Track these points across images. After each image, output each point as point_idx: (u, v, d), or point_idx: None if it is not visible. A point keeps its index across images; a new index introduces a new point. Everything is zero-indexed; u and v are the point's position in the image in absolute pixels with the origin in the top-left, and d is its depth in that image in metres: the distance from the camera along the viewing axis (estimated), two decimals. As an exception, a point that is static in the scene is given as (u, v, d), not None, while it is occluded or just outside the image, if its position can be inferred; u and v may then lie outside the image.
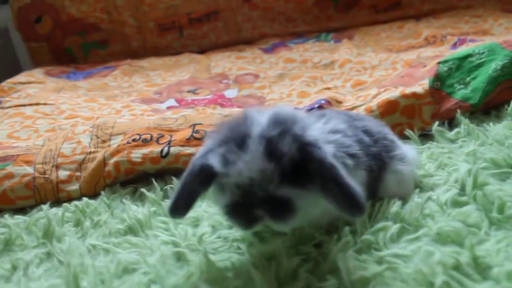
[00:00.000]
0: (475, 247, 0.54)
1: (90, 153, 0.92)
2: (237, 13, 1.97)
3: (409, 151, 0.73)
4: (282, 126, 0.53)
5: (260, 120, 0.54)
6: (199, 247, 0.66)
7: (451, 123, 0.95)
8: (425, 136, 0.93)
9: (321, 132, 0.57)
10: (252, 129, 0.53)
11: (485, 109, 0.98)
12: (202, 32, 1.97)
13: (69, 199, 0.86)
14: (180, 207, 0.57)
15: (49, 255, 0.70)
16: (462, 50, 1.10)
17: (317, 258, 0.59)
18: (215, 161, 0.53)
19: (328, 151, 0.53)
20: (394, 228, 0.61)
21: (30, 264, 0.67)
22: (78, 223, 0.77)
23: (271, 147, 0.51)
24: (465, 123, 0.90)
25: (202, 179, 0.56)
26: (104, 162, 0.89)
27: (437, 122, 0.92)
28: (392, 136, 0.72)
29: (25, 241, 0.73)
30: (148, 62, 1.74)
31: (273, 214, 0.51)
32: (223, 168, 0.52)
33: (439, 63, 1.05)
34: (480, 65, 1.02)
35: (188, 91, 1.37)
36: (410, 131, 0.91)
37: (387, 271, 0.54)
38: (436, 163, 0.81)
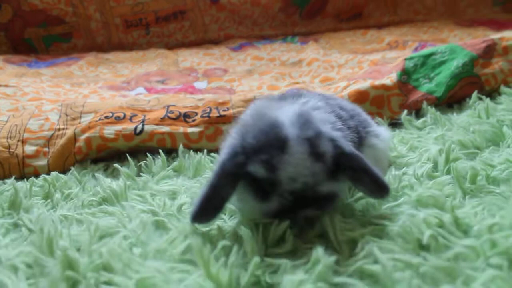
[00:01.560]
0: (456, 210, 0.57)
1: (59, 129, 0.89)
2: (204, 13, 1.98)
3: (382, 131, 0.76)
4: (311, 125, 0.54)
5: (288, 120, 0.54)
6: (179, 216, 0.64)
7: (418, 114, 0.99)
8: (394, 125, 0.97)
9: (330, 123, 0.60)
10: (286, 131, 0.53)
11: (448, 103, 1.04)
12: (169, 31, 1.96)
13: (36, 175, 0.82)
14: (207, 212, 0.55)
15: (16, 225, 0.65)
16: (426, 49, 1.16)
17: (303, 225, 0.59)
18: (257, 169, 0.52)
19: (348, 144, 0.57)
20: (374, 196, 0.63)
21: (-4, 232, 0.63)
22: (47, 196, 0.74)
23: (313, 149, 0.52)
24: (431, 112, 0.95)
25: (233, 181, 0.54)
26: (74, 138, 0.85)
27: (405, 111, 0.96)
28: (365, 115, 0.75)
29: (-11, 212, 0.69)
30: (114, 55, 1.70)
31: (321, 208, 0.55)
32: (270, 174, 0.51)
33: (405, 59, 1.10)
34: (443, 63, 1.08)
35: (157, 81, 1.35)
36: (380, 119, 0.95)
37: (374, 231, 0.55)
38: (407, 146, 0.84)
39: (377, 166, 0.70)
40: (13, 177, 0.78)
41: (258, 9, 2.02)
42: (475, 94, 1.00)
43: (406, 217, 0.56)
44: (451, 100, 1.04)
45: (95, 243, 0.57)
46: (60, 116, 0.92)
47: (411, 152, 0.82)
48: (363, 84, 1.02)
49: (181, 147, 0.84)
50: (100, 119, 0.88)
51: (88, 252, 0.54)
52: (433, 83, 1.04)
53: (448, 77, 1.04)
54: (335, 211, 0.58)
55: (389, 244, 0.52)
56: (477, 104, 0.96)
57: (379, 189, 0.56)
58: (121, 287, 0.47)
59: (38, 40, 1.87)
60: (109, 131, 0.85)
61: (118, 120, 0.88)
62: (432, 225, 0.53)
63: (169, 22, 1.95)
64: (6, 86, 1.18)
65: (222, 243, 0.53)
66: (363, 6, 2.12)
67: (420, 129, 0.93)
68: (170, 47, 1.90)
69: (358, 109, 0.74)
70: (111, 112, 0.90)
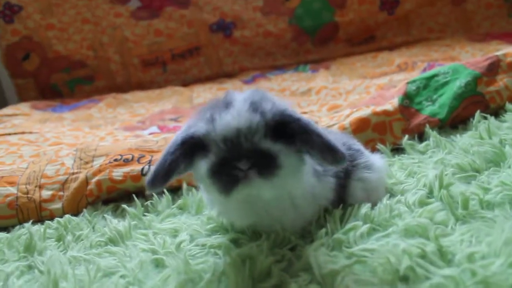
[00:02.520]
0: (440, 238, 0.57)
1: (73, 173, 0.94)
2: (218, 48, 2.05)
3: (377, 160, 0.76)
4: (262, 94, 0.59)
5: (242, 93, 0.59)
6: (177, 253, 0.67)
7: (421, 138, 0.99)
8: (397, 150, 0.97)
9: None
10: (235, 97, 0.58)
11: (453, 124, 1.03)
12: (185, 67, 2.04)
13: (52, 218, 0.87)
14: (159, 178, 0.58)
15: (30, 267, 0.71)
16: (429, 71, 1.16)
17: (291, 259, 0.61)
18: (199, 127, 0.56)
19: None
20: (364, 227, 0.64)
21: (11, 275, 0.68)
22: (60, 238, 0.79)
23: (254, 106, 0.56)
24: (433, 136, 0.95)
25: (185, 151, 0.58)
26: (86, 181, 0.91)
27: (407, 136, 0.97)
28: (357, 146, 0.76)
29: (6, 256, 0.74)
30: (132, 95, 1.79)
31: (259, 168, 0.53)
32: (208, 126, 0.55)
33: (407, 83, 1.11)
34: (445, 84, 1.08)
35: (170, 119, 1.41)
36: (382, 145, 0.95)
37: (356, 264, 0.56)
38: (406, 172, 0.84)
39: (368, 198, 0.71)
40: (31, 221, 0.84)
41: (270, 40, 2.07)
42: (477, 114, 0.99)
43: (390, 248, 0.57)
44: (456, 121, 1.03)
45: (95, 282, 0.61)
46: (74, 161, 0.98)
47: (409, 178, 0.82)
48: (365, 112, 1.03)
49: (184, 185, 0.88)
50: (109, 162, 0.93)
51: (87, 292, 0.58)
52: (436, 105, 1.04)
53: (451, 98, 1.03)
54: (320, 246, 0.60)
55: (369, 276, 0.53)
56: (480, 124, 0.96)
57: (333, 153, 0.57)
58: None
59: (63, 84, 1.99)
60: (118, 173, 0.90)
61: (127, 162, 0.93)
62: (413, 256, 0.54)
63: (184, 59, 2.03)
64: (30, 133, 1.26)
65: (210, 282, 0.56)
66: (376, 28, 2.14)
67: (422, 153, 0.93)
68: (187, 83, 1.98)
69: (349, 142, 0.75)
70: (120, 154, 0.95)
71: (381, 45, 2.08)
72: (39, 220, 0.88)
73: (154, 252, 0.68)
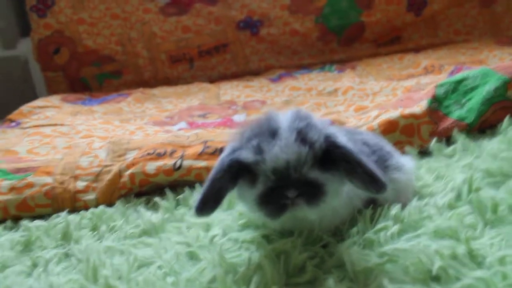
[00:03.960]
0: (470, 241, 0.58)
1: (106, 166, 0.98)
2: (245, 46, 2.07)
3: (406, 162, 0.78)
4: (307, 120, 0.59)
5: (284, 117, 0.60)
6: (210, 247, 0.70)
7: (448, 141, 0.99)
8: (424, 154, 0.98)
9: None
10: (280, 123, 0.58)
11: (481, 129, 1.03)
12: (212, 64, 2.06)
13: (86, 209, 0.90)
14: (208, 204, 0.60)
15: (67, 255, 0.74)
16: (458, 74, 1.16)
17: (323, 256, 0.62)
18: (246, 154, 0.57)
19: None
20: (394, 228, 0.65)
21: (50, 262, 0.71)
22: (94, 228, 0.82)
23: (301, 136, 0.57)
24: (461, 139, 0.95)
25: (231, 175, 0.60)
26: (119, 174, 0.94)
27: (435, 139, 0.97)
28: (389, 147, 0.77)
29: (44, 243, 0.77)
30: (160, 91, 1.82)
31: (306, 196, 0.55)
32: (257, 156, 0.56)
33: (436, 86, 1.11)
34: (474, 88, 1.08)
35: (199, 116, 1.44)
36: (409, 148, 0.96)
37: (388, 263, 0.58)
38: (434, 175, 0.85)
39: (398, 199, 0.73)
40: (66, 210, 0.87)
41: (296, 39, 2.08)
42: (507, 119, 0.99)
43: (421, 249, 0.58)
44: (484, 126, 1.03)
45: (133, 272, 0.64)
46: (107, 153, 1.02)
47: (437, 181, 0.83)
48: (393, 114, 1.03)
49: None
50: (142, 156, 0.96)
51: (127, 280, 0.60)
52: (464, 109, 1.04)
53: (479, 103, 1.03)
54: (352, 244, 0.62)
55: (401, 275, 0.54)
56: (509, 130, 0.96)
57: (375, 183, 0.58)
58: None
59: (92, 78, 2.03)
60: (151, 167, 0.93)
61: (159, 156, 0.96)
62: (444, 257, 0.55)
63: (211, 55, 2.05)
64: (62, 125, 1.30)
65: (245, 274, 0.58)
66: (402, 29, 2.12)
67: (449, 157, 0.93)
68: (213, 79, 2.00)
69: (381, 143, 0.76)
70: (153, 148, 0.98)
71: (407, 46, 2.07)
72: (74, 210, 0.91)
73: (188, 245, 0.70)
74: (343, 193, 0.63)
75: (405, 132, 1.01)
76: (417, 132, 1.01)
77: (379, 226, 0.66)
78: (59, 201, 0.91)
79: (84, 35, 2.00)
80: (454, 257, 0.56)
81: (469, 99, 1.06)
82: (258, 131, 0.59)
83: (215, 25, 2.04)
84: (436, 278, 0.53)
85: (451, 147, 0.95)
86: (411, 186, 0.78)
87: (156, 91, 1.82)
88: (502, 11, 2.12)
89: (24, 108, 1.52)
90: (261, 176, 0.57)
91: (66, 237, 0.78)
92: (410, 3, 2.08)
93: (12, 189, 0.92)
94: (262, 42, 2.07)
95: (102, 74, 2.03)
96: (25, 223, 0.84)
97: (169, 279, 0.61)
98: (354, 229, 0.66)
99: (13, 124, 1.42)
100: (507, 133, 0.95)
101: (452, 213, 0.67)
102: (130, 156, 0.98)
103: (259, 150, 0.57)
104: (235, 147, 0.60)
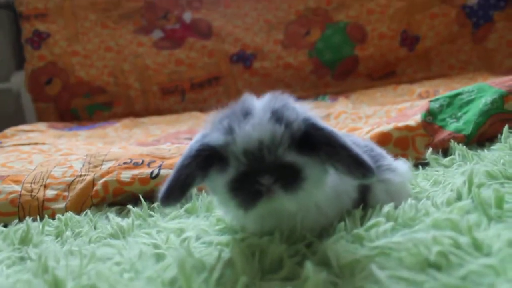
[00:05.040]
0: (474, 233, 0.51)
1: (80, 176, 0.91)
2: (238, 79, 2.06)
3: (400, 165, 0.72)
4: (285, 101, 0.53)
5: (260, 99, 0.54)
6: (180, 249, 0.62)
7: (445, 154, 0.93)
8: (420, 165, 0.91)
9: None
10: (254, 104, 0.52)
11: (479, 142, 0.98)
12: (203, 96, 2.04)
13: (54, 217, 0.83)
14: (174, 193, 0.53)
15: (22, 259, 0.66)
16: (453, 91, 1.12)
17: (305, 254, 0.55)
18: (216, 137, 0.51)
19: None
20: (387, 225, 0.58)
21: (0, 263, 0.63)
22: (59, 234, 0.74)
23: (277, 115, 0.50)
24: (459, 149, 0.90)
25: (200, 163, 0.53)
26: (93, 182, 0.87)
27: (430, 149, 0.91)
28: (379, 150, 0.71)
29: (0, 247, 0.69)
30: (149, 119, 1.78)
31: (283, 182, 0.48)
32: (226, 137, 0.50)
33: (430, 101, 1.07)
34: (470, 101, 1.04)
35: (185, 138, 1.39)
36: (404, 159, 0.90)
37: (379, 256, 0.50)
38: (431, 181, 0.79)
39: (391, 200, 0.66)
40: (30, 217, 0.80)
41: (290, 72, 2.07)
42: (506, 129, 0.93)
43: (418, 237, 0.51)
44: (482, 138, 0.98)
45: (87, 267, 0.56)
46: (83, 165, 0.95)
47: (435, 186, 0.76)
48: (386, 127, 0.99)
49: (194, 189, 0.83)
50: (119, 165, 0.89)
51: (79, 274, 0.52)
52: (461, 122, 1.00)
53: (476, 115, 0.99)
54: (338, 237, 0.54)
55: (393, 263, 0.47)
56: (510, 140, 0.90)
57: (360, 166, 0.50)
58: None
59: (83, 109, 2.00)
60: (126, 175, 0.87)
61: (136, 165, 0.90)
62: (444, 244, 0.48)
63: (203, 88, 2.04)
64: (43, 143, 1.25)
65: (213, 265, 0.50)
66: (396, 64, 2.12)
67: (447, 166, 0.87)
68: (204, 112, 1.97)
69: (371, 145, 0.71)
70: (130, 158, 0.92)
71: (401, 80, 2.05)
72: (41, 218, 0.83)
73: (156, 246, 0.62)
74: (327, 186, 0.55)
75: (399, 145, 0.96)
76: (411, 145, 0.96)
77: (370, 223, 0.59)
78: (25, 209, 0.84)
79: (77, 67, 2.00)
80: (456, 246, 0.48)
81: (465, 112, 1.02)
82: (230, 113, 0.53)
83: (208, 58, 2.04)
84: (436, 266, 0.45)
85: (449, 157, 0.89)
86: (406, 189, 0.71)
87: (146, 119, 1.78)
88: (494, 48, 2.13)
89: (8, 131, 1.47)
90: (231, 159, 0.50)
91: (25, 242, 0.70)
92: (403, 38, 2.09)
93: (-24, 197, 0.85)
94: (255, 75, 2.06)
95: (92, 105, 2.00)
96: (-18, 229, 0.76)
97: (127, 275, 0.53)
98: (342, 224, 0.58)
99: (-6, 145, 1.37)
100: (507, 140, 0.89)
101: (452, 207, 0.60)
102: (107, 167, 0.92)
103: (229, 130, 0.50)
104: (205, 133, 0.54)
